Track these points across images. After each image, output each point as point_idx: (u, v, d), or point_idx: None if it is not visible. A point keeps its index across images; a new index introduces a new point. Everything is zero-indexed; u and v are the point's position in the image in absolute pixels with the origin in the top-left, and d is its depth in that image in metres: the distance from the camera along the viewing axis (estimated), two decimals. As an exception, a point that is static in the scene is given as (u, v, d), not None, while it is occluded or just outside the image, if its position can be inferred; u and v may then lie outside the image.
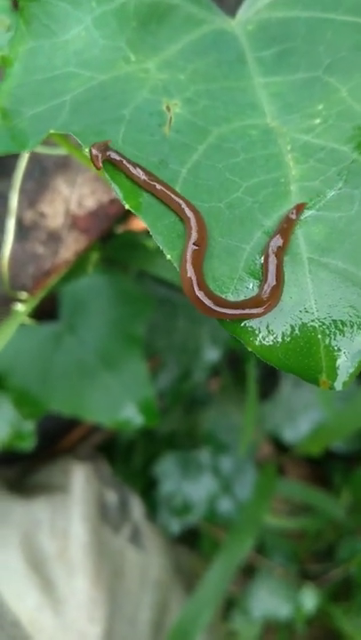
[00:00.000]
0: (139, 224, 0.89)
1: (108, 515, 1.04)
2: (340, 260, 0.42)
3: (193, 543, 1.21)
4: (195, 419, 1.14)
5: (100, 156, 0.44)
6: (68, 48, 0.51)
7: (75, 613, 0.98)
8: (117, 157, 0.44)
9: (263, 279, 0.41)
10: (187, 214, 0.42)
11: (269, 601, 1.23)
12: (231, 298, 0.42)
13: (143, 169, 0.43)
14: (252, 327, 0.42)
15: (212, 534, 1.20)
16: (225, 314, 0.41)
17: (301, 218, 0.43)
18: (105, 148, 0.44)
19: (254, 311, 0.41)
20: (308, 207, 0.43)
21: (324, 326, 0.41)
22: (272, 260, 0.41)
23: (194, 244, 0.41)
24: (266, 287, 0.41)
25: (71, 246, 0.72)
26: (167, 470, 1.12)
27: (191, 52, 0.52)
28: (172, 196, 0.42)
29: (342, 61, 0.50)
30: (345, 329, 0.41)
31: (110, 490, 1.05)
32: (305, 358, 0.41)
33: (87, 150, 0.43)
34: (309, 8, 0.53)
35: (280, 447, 1.26)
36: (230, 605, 1.23)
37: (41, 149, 0.68)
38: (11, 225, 0.68)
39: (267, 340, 0.41)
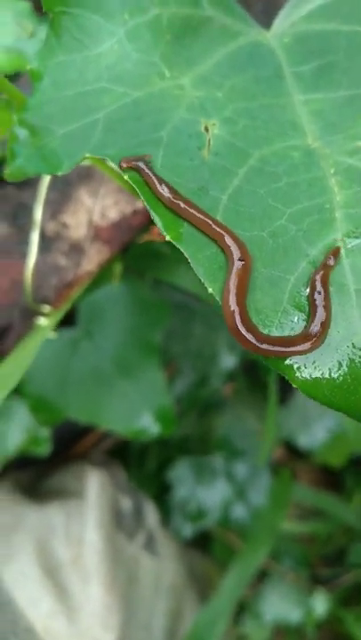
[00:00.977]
0: (159, 234, 0.86)
1: (123, 521, 1.02)
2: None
3: (205, 546, 1.19)
4: (209, 423, 1.12)
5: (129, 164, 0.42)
6: (101, 62, 0.49)
7: (89, 620, 0.96)
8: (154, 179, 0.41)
9: (311, 314, 0.39)
10: (229, 245, 0.40)
11: (280, 605, 1.21)
12: (275, 332, 0.39)
13: (178, 195, 0.40)
14: (297, 363, 0.39)
15: (224, 538, 1.19)
16: (270, 351, 0.38)
17: (348, 247, 0.41)
18: (138, 159, 0.42)
19: (301, 348, 0.38)
20: (356, 236, 0.41)
21: (374, 363, 0.39)
22: (319, 293, 0.39)
23: (237, 275, 0.39)
24: (314, 323, 0.38)
25: (94, 258, 0.70)
26: (181, 475, 1.10)
27: (227, 66, 0.49)
28: (213, 225, 0.40)
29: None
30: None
31: (125, 496, 1.03)
32: (352, 395, 0.39)
33: (126, 176, 0.41)
34: (349, 21, 0.51)
35: (292, 451, 1.24)
36: (241, 609, 1.22)
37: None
38: (35, 238, 0.66)
39: (312, 376, 0.39)
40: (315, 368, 0.39)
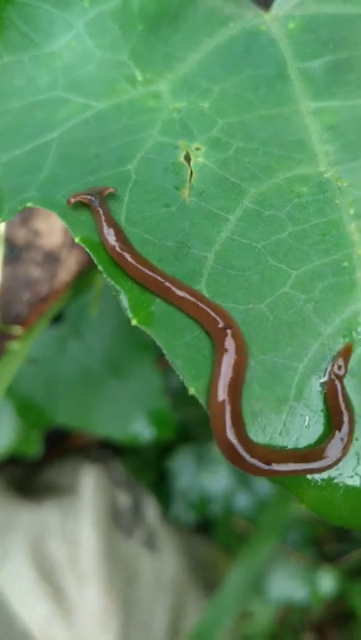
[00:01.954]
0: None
1: (121, 519, 0.94)
2: None
3: (207, 530, 1.12)
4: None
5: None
6: (55, 63, 0.37)
7: (87, 623, 0.89)
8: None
9: (333, 417, 0.28)
10: (216, 325, 0.28)
11: (286, 583, 1.16)
12: (279, 440, 0.29)
13: (144, 261, 0.29)
14: (307, 479, 0.29)
15: (228, 521, 1.11)
16: (277, 472, 0.28)
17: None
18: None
19: (317, 465, 0.28)
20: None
21: None
22: (339, 387, 0.28)
23: (228, 368, 0.28)
24: (340, 432, 0.27)
25: (72, 267, 0.59)
26: (182, 464, 1.01)
27: (216, 64, 0.37)
28: (194, 299, 0.29)
29: None
30: None
31: (123, 492, 0.95)
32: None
33: (77, 238, 0.29)
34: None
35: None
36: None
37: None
38: (0, 249, 0.54)
39: (327, 494, 0.28)
40: (330, 485, 0.28)
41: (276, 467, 0.28)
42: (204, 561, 1.07)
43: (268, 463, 0.28)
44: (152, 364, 0.80)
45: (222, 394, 0.28)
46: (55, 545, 0.90)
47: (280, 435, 0.29)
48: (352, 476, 0.29)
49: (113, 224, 0.30)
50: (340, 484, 0.29)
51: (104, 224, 0.30)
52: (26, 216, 0.58)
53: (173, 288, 0.29)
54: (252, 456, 0.28)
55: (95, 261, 0.29)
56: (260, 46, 0.39)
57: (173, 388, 0.96)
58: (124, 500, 0.95)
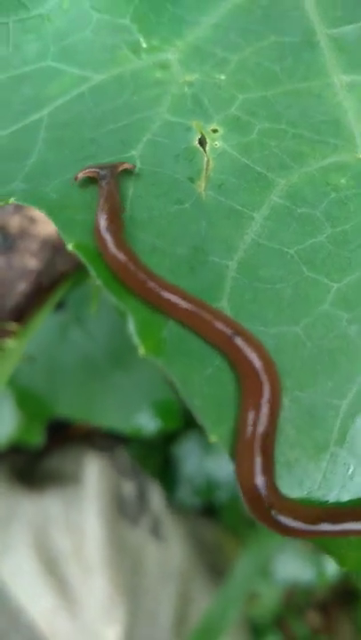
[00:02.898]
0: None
1: (126, 507, 0.90)
2: None
3: (213, 513, 1.08)
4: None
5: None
6: (45, 28, 0.30)
7: (92, 614, 0.86)
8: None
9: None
10: (242, 354, 0.22)
11: (293, 565, 1.13)
12: (318, 494, 0.22)
13: (149, 272, 0.22)
14: (348, 540, 0.22)
15: (234, 505, 1.06)
16: (318, 532, 0.21)
17: None
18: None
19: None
20: None
21: None
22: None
23: (259, 411, 0.21)
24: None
25: (71, 256, 0.52)
26: (188, 449, 0.96)
27: (234, 29, 0.30)
28: (214, 321, 0.22)
29: None
30: None
31: (128, 480, 0.91)
32: None
33: (70, 245, 0.22)
34: None
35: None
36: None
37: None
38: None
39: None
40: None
41: (314, 527, 0.22)
42: (211, 544, 1.03)
43: (314, 523, 0.21)
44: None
45: (253, 439, 0.21)
46: (59, 535, 0.86)
47: (319, 488, 0.22)
48: None
49: (115, 217, 0.23)
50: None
51: (104, 214, 0.23)
52: (19, 201, 0.51)
53: (187, 306, 0.22)
54: (288, 515, 0.21)
55: (94, 274, 0.22)
56: (284, 9, 0.31)
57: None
58: (128, 488, 0.91)
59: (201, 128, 0.27)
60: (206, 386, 0.22)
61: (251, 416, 0.22)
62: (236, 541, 1.04)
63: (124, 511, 0.90)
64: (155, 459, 1.00)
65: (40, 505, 0.88)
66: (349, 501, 0.23)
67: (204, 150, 0.26)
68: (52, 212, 0.24)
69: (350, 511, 0.23)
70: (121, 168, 0.25)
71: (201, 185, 0.25)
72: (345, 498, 0.23)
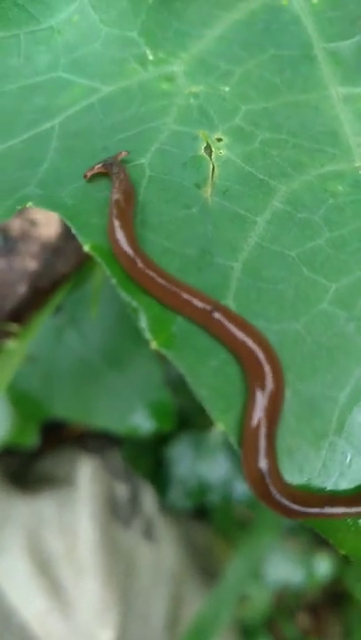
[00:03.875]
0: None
1: (119, 510, 0.91)
2: None
3: (205, 516, 1.09)
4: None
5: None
6: (55, 41, 0.31)
7: (85, 616, 0.86)
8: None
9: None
10: (247, 347, 0.23)
11: (284, 567, 1.14)
12: (318, 480, 0.24)
13: (160, 273, 0.24)
14: (346, 524, 0.24)
15: (225, 508, 1.08)
16: (317, 514, 0.23)
17: None
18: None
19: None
20: None
21: None
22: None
23: (264, 400, 0.23)
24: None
25: (71, 258, 0.54)
26: (180, 451, 0.97)
27: (236, 42, 0.32)
28: (220, 317, 0.24)
29: None
30: None
31: (121, 483, 0.91)
32: None
33: (86, 247, 0.24)
34: None
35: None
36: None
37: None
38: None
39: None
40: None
41: (313, 509, 0.24)
42: (202, 547, 1.04)
43: (306, 505, 0.23)
44: (151, 353, 0.75)
45: (259, 427, 0.23)
46: (52, 537, 0.87)
47: (319, 474, 0.24)
48: None
49: (124, 214, 0.25)
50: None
51: (115, 211, 0.25)
52: (21, 205, 0.53)
53: (195, 301, 0.24)
54: (290, 497, 0.23)
55: (109, 273, 0.24)
56: (283, 24, 0.33)
57: (170, 375, 0.91)
58: (121, 490, 0.92)
59: (207, 137, 0.29)
60: (213, 377, 0.24)
61: (256, 405, 0.24)
62: (227, 544, 1.05)
63: (116, 513, 0.90)
64: (147, 461, 1.00)
65: (33, 507, 0.88)
66: (352, 488, 0.25)
67: (210, 158, 0.28)
68: (68, 216, 0.26)
69: (348, 496, 0.24)
70: (120, 158, 0.27)
71: (207, 191, 0.27)
72: (343, 484, 0.25)
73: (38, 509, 0.88)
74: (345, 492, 0.25)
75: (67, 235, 0.53)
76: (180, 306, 0.25)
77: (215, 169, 0.28)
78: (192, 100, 0.30)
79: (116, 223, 0.24)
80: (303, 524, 0.25)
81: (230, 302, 0.25)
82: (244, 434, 0.23)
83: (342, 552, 0.25)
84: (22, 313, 0.54)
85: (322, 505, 0.24)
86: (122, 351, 0.75)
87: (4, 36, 0.32)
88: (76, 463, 0.91)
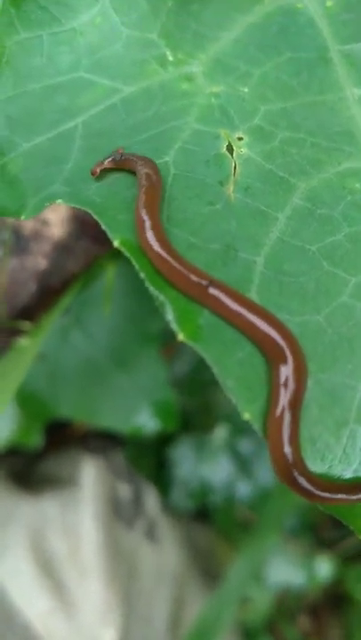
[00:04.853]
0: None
1: (122, 510, 0.91)
2: None
3: (207, 517, 1.10)
4: (210, 397, 0.99)
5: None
6: (78, 42, 0.32)
7: (88, 617, 0.87)
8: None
9: None
10: (272, 339, 0.25)
11: (285, 569, 1.14)
12: (338, 467, 0.25)
13: (190, 267, 0.25)
14: (367, 510, 0.25)
15: (228, 510, 1.08)
16: (338, 499, 0.24)
17: None
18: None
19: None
20: None
21: None
22: None
23: (289, 391, 0.24)
24: None
25: (80, 258, 0.55)
26: (183, 453, 0.98)
27: (253, 44, 0.33)
28: (244, 310, 0.25)
29: None
30: None
31: (124, 483, 0.92)
32: None
33: (116, 242, 0.25)
34: None
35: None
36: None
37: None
38: (7, 240, 0.50)
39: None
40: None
41: (335, 495, 0.25)
42: (204, 549, 1.05)
43: (328, 490, 0.24)
44: (157, 354, 0.76)
45: (285, 424, 0.24)
46: (55, 537, 0.87)
47: (340, 462, 0.25)
48: None
49: (152, 198, 0.26)
50: None
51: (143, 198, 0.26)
52: (32, 205, 0.54)
53: (222, 297, 0.25)
54: (312, 482, 0.25)
55: (137, 267, 0.25)
56: (298, 26, 0.35)
57: (175, 376, 0.93)
58: (124, 491, 0.92)
59: (229, 136, 0.30)
60: (239, 368, 0.25)
61: (281, 398, 0.25)
62: (229, 546, 1.05)
63: (119, 514, 0.91)
64: (149, 462, 1.01)
65: (37, 507, 0.89)
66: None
67: (232, 157, 0.29)
68: (97, 213, 0.27)
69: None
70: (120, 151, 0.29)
71: (230, 188, 0.28)
72: (363, 471, 0.26)
73: (42, 510, 0.88)
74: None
75: (77, 235, 0.54)
76: (212, 302, 0.26)
77: (237, 167, 0.29)
78: (213, 100, 0.31)
79: (145, 219, 0.26)
80: (326, 509, 0.26)
81: (254, 295, 0.26)
82: (269, 423, 0.25)
83: (361, 537, 0.26)
84: (33, 311, 0.55)
85: (343, 490, 0.25)
86: (127, 352, 0.76)
87: (28, 37, 0.33)
88: (79, 464, 0.91)
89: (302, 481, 0.24)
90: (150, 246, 0.25)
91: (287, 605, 1.16)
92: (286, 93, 0.32)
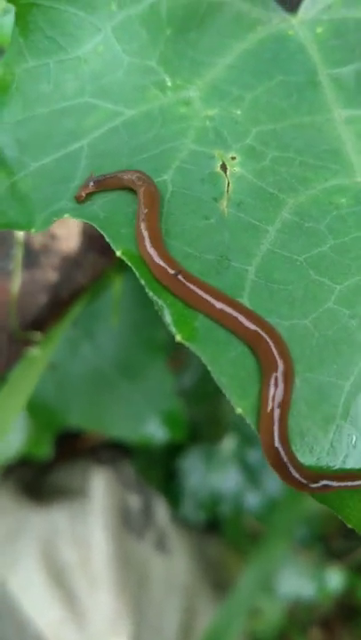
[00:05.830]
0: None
1: (131, 521, 0.93)
2: None
3: (217, 528, 1.11)
4: (218, 408, 1.02)
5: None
6: (82, 69, 0.35)
7: (99, 627, 0.88)
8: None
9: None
10: (263, 340, 0.27)
11: (295, 580, 1.15)
12: (326, 460, 0.28)
13: (183, 271, 0.28)
14: (354, 500, 0.28)
15: (237, 521, 1.10)
16: (326, 488, 0.27)
17: None
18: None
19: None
20: None
21: None
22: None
23: (278, 388, 0.27)
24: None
25: (89, 270, 0.58)
26: (192, 463, 1.00)
27: (246, 70, 0.36)
28: (237, 314, 0.28)
29: None
30: None
31: (133, 494, 0.94)
32: None
33: (118, 252, 0.28)
34: None
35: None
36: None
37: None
38: (18, 254, 0.53)
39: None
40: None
41: (324, 482, 0.27)
42: (214, 560, 1.06)
43: (317, 479, 0.27)
44: (164, 364, 0.79)
45: (275, 417, 0.27)
46: (66, 548, 0.89)
47: (327, 454, 0.28)
48: None
49: (152, 206, 0.29)
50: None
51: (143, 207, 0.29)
52: (41, 221, 0.57)
53: (216, 302, 0.28)
54: (299, 470, 0.27)
55: (137, 275, 0.28)
56: (289, 52, 0.38)
57: (182, 387, 0.95)
58: (134, 501, 0.94)
59: (222, 156, 0.33)
60: (232, 367, 0.28)
61: (270, 392, 0.28)
62: (238, 556, 1.06)
63: (129, 525, 0.92)
64: (158, 473, 1.03)
65: (47, 518, 0.90)
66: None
67: (225, 175, 0.32)
68: (101, 227, 0.30)
69: (353, 473, 0.28)
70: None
71: (223, 203, 0.31)
72: (349, 464, 0.29)
73: (52, 521, 0.89)
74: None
75: (85, 249, 0.57)
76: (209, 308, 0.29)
77: (230, 184, 0.32)
78: (208, 123, 0.34)
79: (145, 233, 0.29)
80: (316, 499, 0.28)
81: (245, 301, 0.29)
82: (261, 417, 0.27)
83: (350, 525, 0.28)
84: (43, 322, 0.58)
85: (330, 478, 0.27)
86: (135, 362, 0.78)
87: (36, 65, 0.36)
88: (88, 475, 0.93)
89: (292, 470, 0.27)
90: (149, 255, 0.28)
91: (298, 616, 1.16)
92: (277, 115, 0.35)
